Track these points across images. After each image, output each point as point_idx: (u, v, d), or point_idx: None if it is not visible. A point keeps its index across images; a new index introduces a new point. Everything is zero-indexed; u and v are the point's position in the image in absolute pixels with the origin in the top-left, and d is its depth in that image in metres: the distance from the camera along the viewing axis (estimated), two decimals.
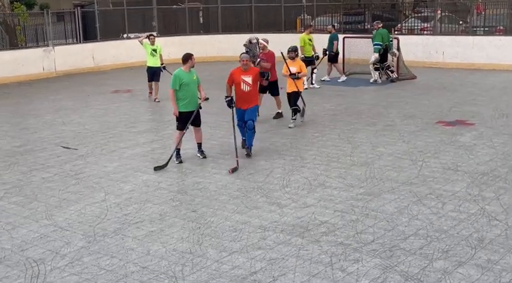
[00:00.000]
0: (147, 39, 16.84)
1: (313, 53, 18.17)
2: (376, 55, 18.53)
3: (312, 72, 18.19)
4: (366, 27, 26.58)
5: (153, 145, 11.61)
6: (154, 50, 16.60)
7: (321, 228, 7.02)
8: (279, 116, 13.77)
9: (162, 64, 16.64)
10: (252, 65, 11.09)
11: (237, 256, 6.37)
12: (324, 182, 8.84)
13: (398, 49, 19.42)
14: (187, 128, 10.12)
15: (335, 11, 28.18)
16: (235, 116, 10.45)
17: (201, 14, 30.01)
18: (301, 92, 12.61)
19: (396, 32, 24.09)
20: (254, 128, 10.32)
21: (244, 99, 10.45)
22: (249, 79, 10.37)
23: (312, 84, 18.19)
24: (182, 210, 7.87)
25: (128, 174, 9.65)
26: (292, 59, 12.61)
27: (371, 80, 19.09)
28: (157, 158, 10.42)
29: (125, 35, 26.46)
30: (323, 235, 6.79)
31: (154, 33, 17.05)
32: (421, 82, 19.09)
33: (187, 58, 10.15)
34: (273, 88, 13.48)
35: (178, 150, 10.17)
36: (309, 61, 17.63)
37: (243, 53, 11.23)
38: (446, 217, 7.25)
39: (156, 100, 16.56)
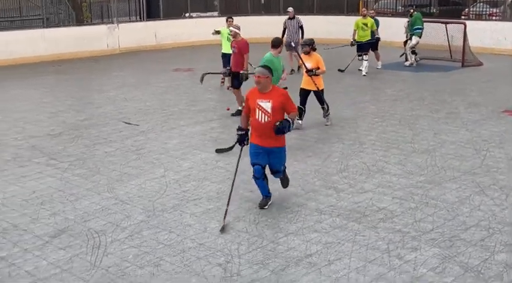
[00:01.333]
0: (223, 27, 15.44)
1: (368, 39, 17.50)
2: (418, 39, 18.35)
3: (362, 58, 17.63)
4: (431, 11, 26.00)
5: (212, 124, 11.69)
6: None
7: (378, 215, 6.95)
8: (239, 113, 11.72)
9: None
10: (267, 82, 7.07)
11: (293, 237, 6.39)
12: (382, 168, 8.72)
13: (465, 35, 18.95)
14: None
15: None
16: (250, 154, 7.28)
17: None
18: (321, 90, 10.96)
19: (463, 17, 23.52)
20: (284, 174, 7.58)
21: (261, 133, 7.08)
22: (267, 105, 6.96)
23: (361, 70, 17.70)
24: (239, 189, 7.88)
25: (186, 152, 9.77)
26: (307, 53, 10.83)
27: (407, 64, 18.93)
28: (216, 137, 10.55)
29: (186, 14, 26.65)
30: (380, 222, 6.72)
31: (232, 17, 15.61)
32: (487, 69, 18.62)
33: (279, 43, 9.97)
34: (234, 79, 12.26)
35: None
36: (360, 46, 17.36)
37: (259, 66, 7.48)
38: (510, 209, 7.07)
39: (230, 89, 14.37)
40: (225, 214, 6.78)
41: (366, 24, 17.25)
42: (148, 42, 23.94)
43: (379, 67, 18.28)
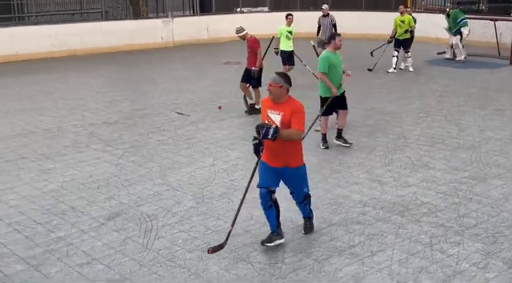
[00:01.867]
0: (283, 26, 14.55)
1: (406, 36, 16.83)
2: (468, 28, 17.85)
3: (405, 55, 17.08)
4: (480, 7, 25.29)
5: (259, 116, 11.62)
6: (290, 32, 14.40)
7: (422, 209, 6.84)
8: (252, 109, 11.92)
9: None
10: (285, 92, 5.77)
11: (336, 228, 6.37)
12: (427, 163, 8.57)
13: None
14: (336, 111, 9.37)
15: None
16: (258, 173, 5.98)
17: None
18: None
19: None
20: (307, 198, 6.17)
21: (270, 149, 5.80)
22: (276, 118, 5.73)
23: (405, 66, 17.15)
24: None
25: (235, 142, 9.83)
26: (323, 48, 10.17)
27: (461, 58, 18.25)
28: None
29: (238, 9, 26.65)
30: (424, 216, 6.62)
31: (292, 14, 14.77)
32: None
33: (329, 39, 9.56)
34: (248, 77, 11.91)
35: (324, 135, 9.29)
36: (399, 42, 16.75)
37: (274, 74, 5.91)
38: None
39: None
40: (228, 234, 5.73)
41: (403, 21, 16.69)
42: (200, 35, 24.05)
43: (403, 68, 17.27)
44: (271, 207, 5.87)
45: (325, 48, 9.65)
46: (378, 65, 16.54)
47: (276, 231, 5.94)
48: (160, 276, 5.38)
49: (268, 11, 26.73)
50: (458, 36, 18.12)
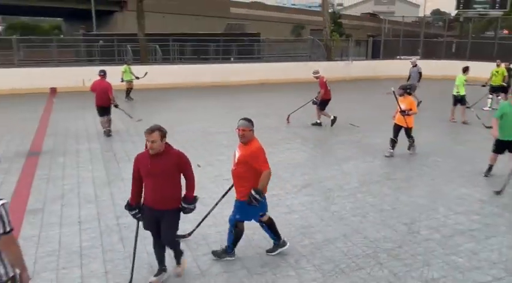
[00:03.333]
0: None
1: (499, 83, 14.03)
2: None
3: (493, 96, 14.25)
4: None
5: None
6: (465, 80, 11.96)
7: None
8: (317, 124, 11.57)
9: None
10: (251, 137, 4.50)
11: (460, 216, 6.00)
12: None
13: None
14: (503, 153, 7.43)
15: None
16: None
17: (454, 45, 27.46)
18: (410, 128, 8.68)
19: None
20: (232, 227, 4.70)
21: (233, 179, 4.68)
22: (237, 156, 4.56)
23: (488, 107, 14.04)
24: (424, 178, 7.58)
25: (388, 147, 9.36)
26: (401, 96, 8.59)
27: None
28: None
29: (397, 57, 25.69)
30: None
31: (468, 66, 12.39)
32: None
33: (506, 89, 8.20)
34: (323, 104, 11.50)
35: (490, 166, 7.59)
36: (494, 88, 14.16)
37: (242, 120, 4.53)
38: None
39: (466, 122, 11.94)
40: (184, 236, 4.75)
41: (497, 72, 14.27)
42: (370, 73, 23.59)
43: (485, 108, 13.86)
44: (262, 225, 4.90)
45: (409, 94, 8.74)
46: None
47: (273, 239, 4.93)
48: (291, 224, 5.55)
49: (419, 59, 25.37)
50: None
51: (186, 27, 35.33)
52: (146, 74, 15.92)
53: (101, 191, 6.78)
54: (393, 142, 8.74)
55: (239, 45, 25.03)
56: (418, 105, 13.50)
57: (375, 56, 25.97)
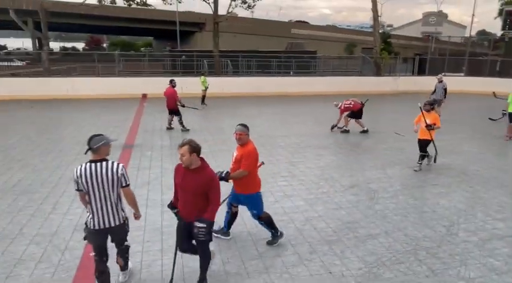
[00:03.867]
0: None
1: None
2: None
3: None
4: None
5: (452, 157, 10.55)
6: None
7: None
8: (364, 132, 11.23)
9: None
10: (246, 139, 4.49)
11: (498, 222, 5.58)
12: None
13: None
14: None
15: None
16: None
17: (498, 63, 25.45)
18: (432, 140, 7.88)
19: None
20: (260, 219, 4.76)
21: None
22: (234, 156, 4.61)
23: None
24: (462, 185, 7.10)
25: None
26: (427, 111, 7.84)
27: None
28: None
29: (442, 73, 24.28)
30: None
31: None
32: None
33: None
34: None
35: None
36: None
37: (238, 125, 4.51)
38: None
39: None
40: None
41: None
42: (415, 88, 22.48)
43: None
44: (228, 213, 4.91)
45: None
46: None
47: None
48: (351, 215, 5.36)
49: (463, 76, 23.77)
50: None
51: (253, 45, 35.82)
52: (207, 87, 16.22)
53: None
54: (424, 157, 7.93)
55: (298, 61, 24.96)
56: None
57: (421, 72, 24.70)
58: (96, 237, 3.66)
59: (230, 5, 23.66)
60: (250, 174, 4.50)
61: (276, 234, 4.84)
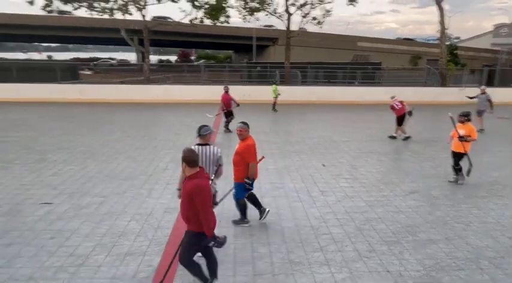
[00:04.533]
0: None
1: None
2: None
3: None
4: None
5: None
6: None
7: None
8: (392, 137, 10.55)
9: None
10: (247, 134, 4.79)
11: None
12: None
13: None
14: None
15: None
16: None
17: None
18: (466, 153, 6.80)
19: None
20: (237, 201, 5.02)
21: (233, 166, 4.94)
22: (235, 148, 4.88)
23: None
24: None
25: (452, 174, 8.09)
26: (462, 122, 6.80)
27: None
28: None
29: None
30: None
31: None
32: None
33: None
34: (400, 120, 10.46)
35: None
36: None
37: (239, 122, 4.87)
38: None
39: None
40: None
41: None
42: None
43: None
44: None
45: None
46: None
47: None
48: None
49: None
50: None
51: (321, 57, 35.29)
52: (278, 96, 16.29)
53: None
54: (457, 170, 6.96)
55: (363, 72, 24.09)
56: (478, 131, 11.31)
57: (490, 84, 22.26)
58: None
59: (302, 21, 23.65)
60: (247, 166, 4.73)
61: (243, 219, 5.12)
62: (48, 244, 4.57)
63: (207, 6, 22.08)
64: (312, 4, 23.36)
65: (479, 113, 12.11)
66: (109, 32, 35.13)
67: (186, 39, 47.34)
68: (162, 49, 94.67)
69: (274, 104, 16.35)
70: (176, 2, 21.48)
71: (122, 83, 21.79)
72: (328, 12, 24.00)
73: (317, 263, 4.25)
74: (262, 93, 17.58)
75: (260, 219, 5.12)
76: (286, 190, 6.40)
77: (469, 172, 6.93)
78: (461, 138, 6.72)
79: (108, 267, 4.12)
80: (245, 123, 4.81)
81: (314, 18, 23.95)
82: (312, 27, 43.70)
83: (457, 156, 6.87)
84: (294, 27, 23.59)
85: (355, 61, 33.26)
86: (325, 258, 4.36)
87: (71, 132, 10.97)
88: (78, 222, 5.17)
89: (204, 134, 4.32)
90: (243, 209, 5.08)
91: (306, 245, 4.63)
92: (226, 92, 11.87)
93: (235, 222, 5.12)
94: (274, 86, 16.58)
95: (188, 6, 24.65)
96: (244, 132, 4.77)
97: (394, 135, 10.72)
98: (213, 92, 19.08)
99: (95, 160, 8.17)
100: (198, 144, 4.32)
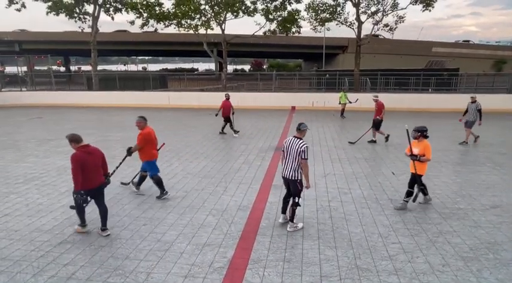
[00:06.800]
0: None
1: None
2: None
3: None
4: None
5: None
6: None
7: None
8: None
9: None
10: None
11: None
12: None
13: None
14: None
15: None
16: None
17: None
18: (420, 175, 5.42)
19: None
20: (152, 178, 6.09)
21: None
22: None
23: None
24: None
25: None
26: (416, 139, 5.40)
27: None
28: None
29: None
30: None
31: None
32: None
33: None
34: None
35: None
36: None
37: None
38: None
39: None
40: None
41: None
42: (503, 106, 17.37)
43: None
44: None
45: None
46: None
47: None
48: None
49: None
50: None
51: (392, 64, 33.25)
52: (357, 100, 15.82)
53: (318, 180, 7.13)
54: (408, 194, 5.59)
55: (438, 78, 22.08)
56: (475, 141, 10.08)
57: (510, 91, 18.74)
58: (284, 181, 5.02)
59: (373, 29, 22.57)
60: (146, 147, 5.79)
61: (162, 192, 5.95)
62: (141, 229, 5.06)
63: (279, 19, 22.36)
64: (384, 11, 22.21)
65: (470, 125, 10.13)
66: (193, 45, 37.71)
67: (258, 50, 48.52)
68: (236, 59, 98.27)
69: (342, 111, 15.89)
70: (252, 16, 22.14)
71: (202, 90, 23.13)
72: (401, 18, 22.57)
73: (385, 271, 4.02)
74: (330, 100, 17.16)
75: (158, 197, 5.98)
76: (354, 196, 6.19)
77: (415, 198, 5.59)
78: (413, 157, 5.41)
79: (189, 255, 4.41)
80: (142, 117, 5.93)
81: (386, 25, 22.72)
82: (383, 34, 41.48)
83: (411, 178, 5.58)
84: (364, 34, 22.61)
85: (429, 67, 30.65)
86: (393, 267, 4.10)
87: (159, 134, 11.97)
88: (165, 212, 5.62)
89: (302, 129, 4.85)
90: (159, 183, 5.96)
91: (373, 252, 4.41)
92: (227, 99, 11.95)
93: (158, 198, 5.96)
94: (341, 93, 16.14)
95: (262, 20, 25.19)
96: (140, 124, 5.91)
97: (374, 139, 10.41)
98: (283, 99, 19.25)
99: (179, 159, 8.80)
100: (294, 137, 4.87)
